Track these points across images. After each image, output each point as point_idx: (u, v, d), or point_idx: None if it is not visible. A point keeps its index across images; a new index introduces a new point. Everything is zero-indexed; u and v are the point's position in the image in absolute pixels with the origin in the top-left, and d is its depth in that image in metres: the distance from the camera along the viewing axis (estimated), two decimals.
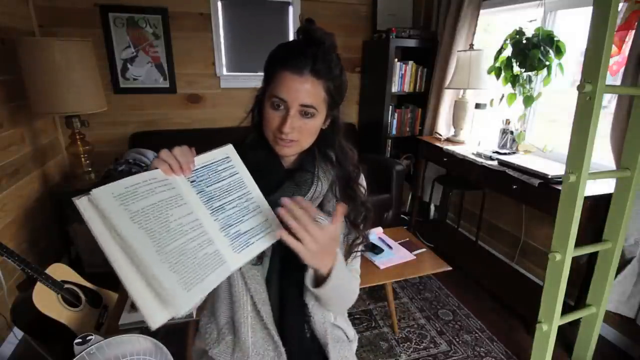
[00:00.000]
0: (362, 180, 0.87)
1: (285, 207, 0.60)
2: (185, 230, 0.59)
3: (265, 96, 0.73)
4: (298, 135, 0.72)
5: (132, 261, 0.54)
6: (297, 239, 0.60)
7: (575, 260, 1.42)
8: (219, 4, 2.64)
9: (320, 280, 0.70)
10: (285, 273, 0.79)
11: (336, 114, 0.78)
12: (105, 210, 0.54)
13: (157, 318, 0.53)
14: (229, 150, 0.70)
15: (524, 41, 2.07)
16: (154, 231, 0.56)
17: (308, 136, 0.74)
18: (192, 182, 0.63)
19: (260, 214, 0.68)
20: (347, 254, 0.84)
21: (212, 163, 0.67)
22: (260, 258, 0.75)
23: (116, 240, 0.54)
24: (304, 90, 0.69)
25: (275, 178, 0.76)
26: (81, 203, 0.53)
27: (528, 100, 2.14)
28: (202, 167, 0.65)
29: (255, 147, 0.77)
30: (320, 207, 0.81)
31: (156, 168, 0.61)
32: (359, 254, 0.87)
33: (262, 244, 0.66)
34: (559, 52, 2.01)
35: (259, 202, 0.69)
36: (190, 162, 0.63)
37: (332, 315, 0.88)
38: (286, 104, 0.69)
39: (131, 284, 0.53)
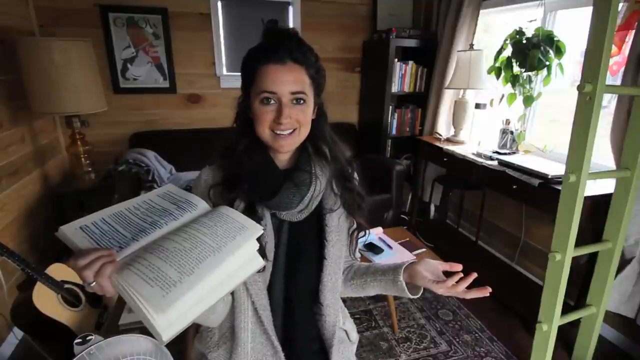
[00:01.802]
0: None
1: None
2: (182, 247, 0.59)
3: (251, 97, 0.72)
4: (295, 123, 0.72)
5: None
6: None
7: (575, 260, 1.42)
8: (219, 4, 2.64)
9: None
10: (292, 275, 0.79)
11: (321, 101, 0.79)
12: None
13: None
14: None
15: (524, 41, 2.07)
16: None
17: (305, 123, 0.74)
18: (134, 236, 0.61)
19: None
20: (352, 246, 0.87)
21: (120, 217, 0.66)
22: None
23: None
24: (291, 79, 0.69)
25: (273, 182, 0.75)
26: None
27: (528, 100, 2.14)
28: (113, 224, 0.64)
29: (249, 153, 0.76)
30: (321, 204, 0.80)
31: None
32: (360, 246, 0.91)
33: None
34: (559, 52, 2.01)
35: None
36: (105, 252, 0.55)
37: (341, 319, 0.89)
38: (277, 96, 0.69)
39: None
